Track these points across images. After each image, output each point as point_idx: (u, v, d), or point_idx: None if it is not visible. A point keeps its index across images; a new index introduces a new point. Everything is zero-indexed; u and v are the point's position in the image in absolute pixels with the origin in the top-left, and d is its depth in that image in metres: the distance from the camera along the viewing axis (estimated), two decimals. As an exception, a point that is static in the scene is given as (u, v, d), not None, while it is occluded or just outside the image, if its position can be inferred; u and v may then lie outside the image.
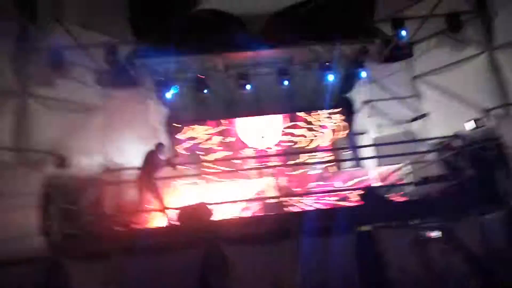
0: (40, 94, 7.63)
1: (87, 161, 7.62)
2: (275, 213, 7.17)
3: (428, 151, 7.84)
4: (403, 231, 6.24)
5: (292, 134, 11.45)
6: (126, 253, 5.61)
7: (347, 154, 10.89)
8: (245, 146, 11.32)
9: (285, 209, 7.35)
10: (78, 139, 7.91)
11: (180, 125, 11.34)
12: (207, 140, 11.31)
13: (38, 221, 5.83)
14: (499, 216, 5.81)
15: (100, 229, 6.14)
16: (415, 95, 9.36)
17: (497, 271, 5.36)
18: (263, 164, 10.09)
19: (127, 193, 6.95)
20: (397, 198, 7.53)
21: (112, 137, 8.54)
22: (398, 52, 9.53)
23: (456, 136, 6.60)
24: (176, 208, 6.75)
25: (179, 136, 11.25)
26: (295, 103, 11.25)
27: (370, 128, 10.08)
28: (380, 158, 8.65)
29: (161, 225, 6.77)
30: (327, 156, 10.91)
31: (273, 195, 8.27)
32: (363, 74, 9.86)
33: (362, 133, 10.54)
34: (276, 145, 11.35)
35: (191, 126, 11.38)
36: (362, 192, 7.00)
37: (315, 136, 11.39)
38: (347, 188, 8.58)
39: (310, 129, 11.48)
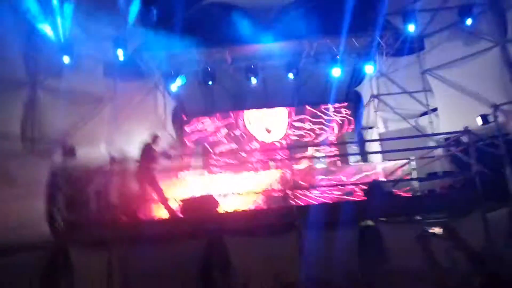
0: (49, 84, 7.75)
1: (94, 151, 7.74)
2: (280, 206, 7.18)
3: (435, 147, 7.74)
4: (406, 226, 6.20)
5: (299, 128, 11.41)
6: (130, 243, 5.69)
7: (354, 148, 10.81)
8: (251, 139, 11.33)
9: (290, 202, 7.35)
10: (86, 130, 8.04)
11: (187, 117, 11.41)
12: (214, 132, 11.35)
13: (45, 209, 5.95)
14: (504, 213, 5.73)
15: (105, 218, 6.23)
16: (424, 89, 9.20)
17: (501, 268, 5.29)
18: (269, 157, 10.09)
19: (133, 184, 7.03)
20: (402, 193, 7.46)
21: (119, 128, 8.64)
22: (408, 46, 9.38)
23: (464, 131, 6.49)
24: (181, 200, 6.81)
25: (186, 128, 11.31)
26: (303, 97, 11.20)
27: (378, 122, 9.98)
28: (386, 153, 8.57)
29: (165, 216, 6.84)
30: (333, 150, 10.86)
31: (278, 188, 8.28)
32: (372, 68, 9.74)
33: (369, 128, 10.45)
34: (282, 138, 11.34)
35: (198, 119, 11.43)
36: (367, 186, 6.95)
37: (322, 130, 11.34)
38: (352, 182, 8.52)
39: (317, 123, 11.42)
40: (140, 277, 5.61)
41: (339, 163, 10.58)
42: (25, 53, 7.45)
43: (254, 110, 11.55)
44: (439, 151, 7.80)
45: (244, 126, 11.51)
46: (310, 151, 10.85)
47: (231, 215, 6.62)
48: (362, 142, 10.60)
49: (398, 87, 9.70)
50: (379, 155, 9.20)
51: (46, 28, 7.70)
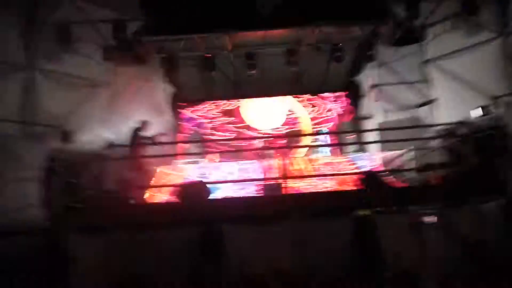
0: (47, 68, 7.73)
1: (91, 136, 7.74)
2: (275, 194, 7.20)
3: (432, 137, 7.73)
4: (401, 216, 6.22)
5: (298, 117, 11.39)
6: (126, 228, 5.73)
7: (351, 138, 10.81)
8: (250, 127, 11.32)
9: (285, 190, 7.37)
10: (83, 114, 8.03)
11: (186, 104, 11.37)
12: (212, 119, 11.33)
13: (41, 193, 5.98)
14: (498, 204, 5.76)
15: (101, 203, 6.26)
16: (424, 80, 9.14)
17: (493, 258, 5.36)
18: (266, 145, 10.10)
19: (129, 170, 7.07)
20: (398, 183, 7.48)
21: (117, 113, 8.62)
22: (410, 35, 9.25)
23: (461, 123, 6.48)
24: (174, 185, 6.84)
25: (184, 114, 11.29)
26: (302, 85, 11.13)
27: (377, 112, 9.94)
28: (384, 143, 8.57)
29: (160, 202, 6.88)
30: (332, 139, 10.86)
31: (274, 176, 8.30)
32: (373, 57, 9.66)
33: (368, 117, 10.41)
34: (281, 126, 11.32)
35: (197, 105, 11.39)
36: (363, 176, 6.96)
37: (321, 119, 11.30)
38: (349, 172, 8.55)
39: (317, 112, 11.39)
40: (137, 262, 5.66)
41: (337, 152, 10.58)
42: (23, 36, 7.40)
43: (253, 98, 11.50)
44: (437, 142, 7.79)
45: (243, 113, 11.48)
46: (308, 140, 10.85)
47: (225, 202, 6.65)
48: (360, 132, 10.57)
49: (398, 77, 9.63)
50: (377, 145, 9.20)
51: (45, 11, 7.65)
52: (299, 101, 11.56)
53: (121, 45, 8.55)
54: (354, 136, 10.78)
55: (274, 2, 8.98)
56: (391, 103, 9.60)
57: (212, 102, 11.48)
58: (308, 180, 8.37)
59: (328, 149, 10.76)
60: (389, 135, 8.14)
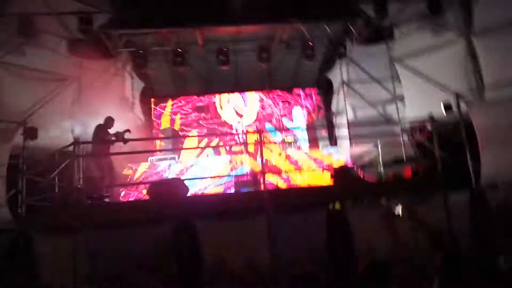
0: (9, 62, 7.31)
1: (57, 133, 7.44)
2: (249, 189, 7.20)
3: (400, 133, 7.98)
4: (372, 209, 6.39)
5: (270, 113, 11.44)
6: (95, 227, 5.54)
7: (323, 133, 10.98)
8: (222, 123, 11.26)
9: (259, 186, 7.39)
10: (48, 110, 7.67)
11: (156, 100, 11.16)
12: (184, 115, 11.18)
13: (5, 192, 5.69)
14: (464, 197, 6.04)
15: (68, 202, 6.03)
16: (393, 77, 9.40)
17: (458, 248, 5.62)
18: (239, 141, 10.08)
19: (96, 167, 6.85)
20: (368, 178, 7.68)
21: (84, 109, 8.32)
22: (379, 34, 9.51)
23: (428, 119, 6.73)
24: (147, 182, 6.70)
25: (155, 110, 11.07)
26: (275, 81, 11.19)
27: (347, 109, 10.14)
28: (353, 138, 8.76)
29: (130, 199, 6.72)
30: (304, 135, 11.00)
31: (248, 172, 8.30)
32: (343, 54, 9.84)
33: (338, 114, 10.61)
34: (253, 122, 11.34)
35: (168, 101, 11.20)
36: (335, 171, 7.09)
37: (293, 114, 11.40)
38: (320, 167, 8.68)
39: (288, 108, 11.48)
40: (106, 262, 5.50)
41: (307, 148, 10.72)
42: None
43: (226, 93, 11.44)
44: (404, 138, 8.06)
45: (215, 109, 11.40)
46: (281, 136, 10.93)
47: (200, 199, 6.58)
48: (331, 127, 10.76)
49: (367, 75, 9.86)
50: (347, 141, 9.38)
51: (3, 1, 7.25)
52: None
53: (87, 39, 8.27)
54: (325, 131, 10.96)
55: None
56: (360, 99, 9.80)
57: (184, 97, 11.32)
58: (283, 175, 8.42)
59: (305, 144, 10.88)
60: (359, 131, 8.31)
